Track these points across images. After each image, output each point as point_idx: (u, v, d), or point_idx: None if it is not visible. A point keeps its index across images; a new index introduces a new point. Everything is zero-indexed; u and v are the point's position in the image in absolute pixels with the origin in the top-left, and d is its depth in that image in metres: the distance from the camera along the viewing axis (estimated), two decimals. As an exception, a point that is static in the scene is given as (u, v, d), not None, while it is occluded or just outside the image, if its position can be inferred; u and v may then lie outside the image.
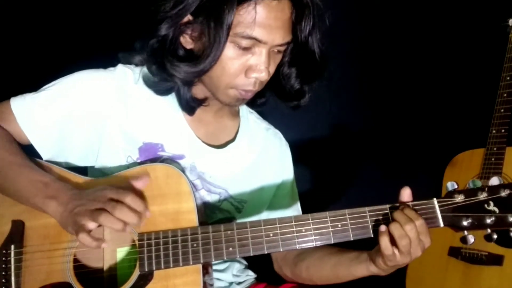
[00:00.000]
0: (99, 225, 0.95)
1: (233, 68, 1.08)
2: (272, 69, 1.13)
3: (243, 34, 1.03)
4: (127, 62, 1.18)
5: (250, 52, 1.07)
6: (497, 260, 1.80)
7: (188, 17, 1.07)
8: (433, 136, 2.48)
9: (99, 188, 1.00)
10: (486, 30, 2.16)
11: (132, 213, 0.95)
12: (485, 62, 2.18)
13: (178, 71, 1.08)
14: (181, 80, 1.11)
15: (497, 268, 1.79)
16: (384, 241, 0.98)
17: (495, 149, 1.89)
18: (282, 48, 1.12)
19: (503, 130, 1.89)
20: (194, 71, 1.08)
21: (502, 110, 1.90)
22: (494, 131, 1.91)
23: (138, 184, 1.05)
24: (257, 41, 1.04)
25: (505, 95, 1.91)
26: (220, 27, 1.02)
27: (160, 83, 1.17)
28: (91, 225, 0.94)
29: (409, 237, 0.97)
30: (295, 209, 1.41)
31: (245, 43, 1.05)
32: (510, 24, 1.93)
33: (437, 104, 2.51)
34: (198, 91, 1.20)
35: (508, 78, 1.91)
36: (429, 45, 2.49)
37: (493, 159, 1.89)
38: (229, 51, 1.06)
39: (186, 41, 1.11)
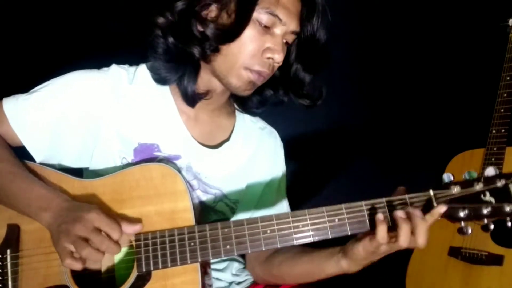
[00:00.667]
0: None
1: (251, 47, 1.10)
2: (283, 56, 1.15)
3: (267, 10, 1.08)
4: (147, 26, 1.15)
5: (268, 33, 1.11)
6: (497, 260, 1.79)
7: None
8: (433, 136, 2.47)
9: (86, 207, 1.01)
10: (486, 30, 2.15)
11: (115, 245, 0.98)
12: (485, 62, 2.18)
13: (209, 30, 1.09)
14: (201, 50, 1.11)
15: (497, 268, 1.78)
16: (382, 230, 0.96)
17: (495, 149, 1.89)
18: (291, 38, 1.16)
19: (503, 130, 1.88)
20: (221, 34, 1.09)
21: (502, 110, 1.90)
22: (494, 131, 1.91)
23: (128, 230, 1.04)
24: (278, 20, 1.10)
25: (505, 95, 1.90)
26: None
27: (166, 66, 1.17)
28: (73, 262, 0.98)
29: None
30: (279, 208, 1.38)
31: (266, 20, 1.09)
32: (510, 24, 1.93)
33: (437, 104, 2.51)
34: (201, 83, 1.20)
35: (508, 78, 1.91)
36: (429, 45, 2.49)
37: (493, 159, 1.88)
38: (250, 28, 1.09)
39: (205, 15, 1.11)
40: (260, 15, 1.08)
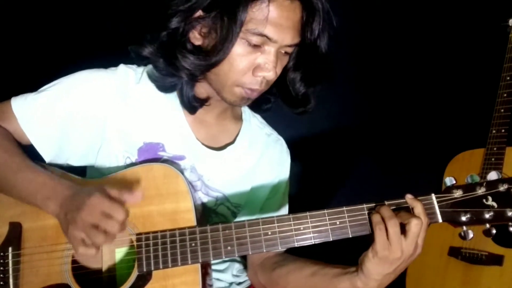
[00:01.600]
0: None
1: (241, 65, 1.08)
2: (279, 70, 1.13)
3: (255, 31, 1.04)
4: (137, 54, 1.15)
5: (259, 50, 1.07)
6: (497, 260, 1.79)
7: (200, 12, 1.07)
8: (433, 136, 2.47)
9: (87, 192, 0.99)
10: (486, 30, 2.15)
11: (120, 226, 0.96)
12: (485, 62, 2.18)
13: (187, 62, 1.08)
14: (188, 75, 1.11)
15: (497, 268, 1.79)
16: (376, 217, 0.97)
17: (495, 149, 1.89)
18: (289, 50, 1.12)
19: (503, 130, 1.89)
20: (203, 64, 1.08)
21: (502, 110, 1.90)
22: (494, 131, 1.91)
23: (130, 199, 1.01)
24: (267, 39, 1.05)
25: (505, 95, 1.90)
26: (233, 23, 1.03)
27: (165, 78, 1.16)
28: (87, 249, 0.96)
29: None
30: (282, 213, 1.38)
31: (255, 40, 1.05)
32: (510, 24, 1.93)
33: (437, 104, 2.51)
34: (201, 90, 1.20)
35: (508, 78, 1.91)
36: (429, 45, 2.49)
37: (493, 159, 1.89)
38: (239, 48, 1.06)
39: (195, 37, 1.11)
40: (247, 35, 1.05)
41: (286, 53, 1.13)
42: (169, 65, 1.12)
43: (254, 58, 1.08)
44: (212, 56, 1.06)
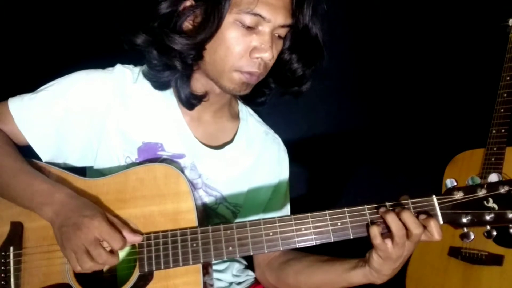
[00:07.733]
0: None
1: (238, 48, 1.08)
2: (275, 53, 1.13)
3: (247, 10, 1.05)
4: (130, 44, 1.14)
5: (254, 32, 1.08)
6: (497, 260, 1.79)
7: (191, 2, 1.08)
8: (433, 136, 2.48)
9: (89, 212, 1.00)
10: (486, 30, 2.15)
11: (114, 258, 0.99)
12: (485, 62, 2.18)
13: (175, 43, 1.08)
14: (180, 62, 1.11)
15: (497, 268, 1.79)
16: (373, 231, 0.97)
17: (495, 149, 1.89)
18: (283, 32, 1.13)
19: (503, 130, 1.89)
20: (190, 43, 1.08)
21: (502, 110, 1.90)
22: (494, 131, 1.91)
23: (129, 238, 1.03)
24: (261, 18, 1.06)
25: (505, 95, 1.90)
26: (218, 1, 1.04)
27: (159, 74, 1.17)
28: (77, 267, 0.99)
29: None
30: (285, 212, 1.39)
31: (249, 20, 1.06)
32: (510, 24, 1.93)
33: (437, 104, 2.51)
34: (198, 85, 1.20)
35: (508, 78, 1.91)
36: (429, 45, 2.49)
37: (493, 159, 1.89)
38: (233, 31, 1.07)
39: (187, 27, 1.11)
40: (241, 16, 1.05)
41: (279, 37, 1.13)
42: (161, 53, 1.12)
43: (250, 41, 1.08)
44: (198, 34, 1.07)
